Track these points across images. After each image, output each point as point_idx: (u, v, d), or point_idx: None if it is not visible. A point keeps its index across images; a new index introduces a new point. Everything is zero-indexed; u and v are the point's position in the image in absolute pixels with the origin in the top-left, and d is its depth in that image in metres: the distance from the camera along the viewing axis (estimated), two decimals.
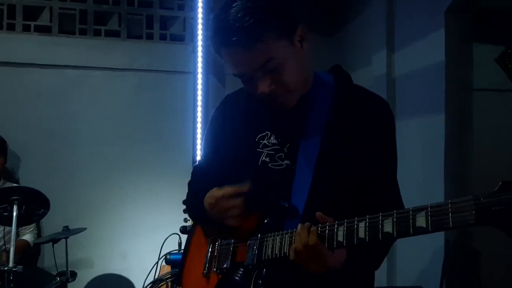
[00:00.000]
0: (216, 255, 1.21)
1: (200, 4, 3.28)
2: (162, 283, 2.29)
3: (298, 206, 1.13)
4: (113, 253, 3.33)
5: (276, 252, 1.07)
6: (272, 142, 1.19)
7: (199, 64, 3.24)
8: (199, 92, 3.20)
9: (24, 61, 3.28)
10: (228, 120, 1.28)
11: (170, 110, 3.44)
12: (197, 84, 3.24)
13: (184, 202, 1.33)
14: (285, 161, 1.18)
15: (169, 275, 2.31)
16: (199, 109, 3.21)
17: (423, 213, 0.86)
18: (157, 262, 2.50)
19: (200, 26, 3.28)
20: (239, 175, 1.22)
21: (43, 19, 3.36)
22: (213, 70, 3.44)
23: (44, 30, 3.35)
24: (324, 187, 1.14)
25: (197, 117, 3.21)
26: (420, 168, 2.44)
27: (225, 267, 1.16)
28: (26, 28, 3.33)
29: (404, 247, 2.54)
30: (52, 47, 3.32)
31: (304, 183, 1.14)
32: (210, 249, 1.23)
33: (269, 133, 1.20)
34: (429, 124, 2.38)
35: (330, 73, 1.26)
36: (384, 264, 2.62)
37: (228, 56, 1.10)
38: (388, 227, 0.90)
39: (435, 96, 2.29)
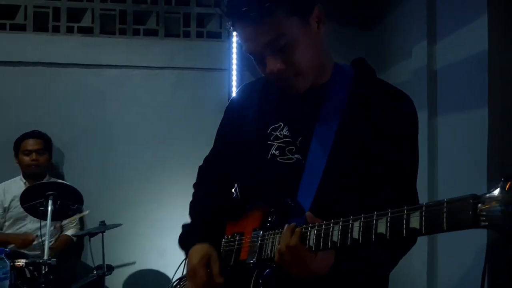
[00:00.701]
0: (222, 252, 1.19)
1: None
2: None
3: (305, 203, 1.08)
4: (151, 249, 3.38)
5: (275, 251, 1.02)
6: (284, 134, 1.14)
7: (234, 61, 3.22)
8: (234, 89, 3.18)
9: (68, 62, 3.41)
10: (242, 109, 1.24)
11: (207, 107, 3.44)
12: (232, 81, 3.22)
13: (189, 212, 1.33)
14: (296, 155, 1.12)
15: None
16: None
17: (417, 213, 0.79)
18: (185, 259, 2.51)
19: (228, 21, 3.25)
20: (249, 168, 1.20)
21: (86, 21, 3.48)
22: (250, 66, 3.41)
23: (86, 31, 3.47)
24: (333, 186, 1.08)
25: None
26: (462, 165, 2.28)
27: (229, 265, 1.15)
28: (70, 30, 3.45)
29: (445, 252, 2.40)
30: (93, 47, 3.43)
31: (313, 179, 1.09)
32: (223, 245, 1.21)
33: (282, 124, 1.16)
34: (471, 118, 2.21)
35: (352, 66, 1.19)
36: (423, 271, 2.48)
37: (240, 30, 1.07)
38: (382, 227, 0.84)
39: (478, 89, 2.12)
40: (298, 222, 1.01)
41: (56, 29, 3.43)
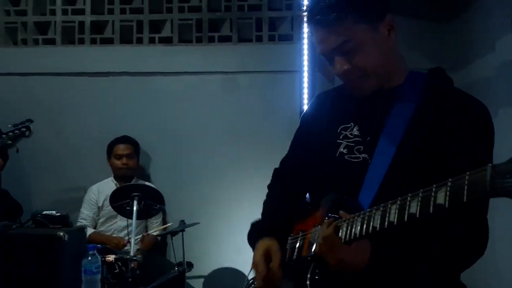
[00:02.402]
0: (289, 248, 1.26)
1: (305, 2, 3.26)
2: None
3: (366, 201, 1.10)
4: (227, 247, 3.50)
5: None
6: (354, 134, 1.19)
7: (305, 63, 3.23)
8: (305, 91, 3.19)
9: (150, 70, 3.64)
10: (315, 114, 1.33)
11: (279, 109, 3.49)
12: (303, 82, 3.24)
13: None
14: (363, 155, 1.16)
15: None
16: (305, 107, 3.20)
17: (443, 189, 0.83)
18: None
19: (306, 24, 3.27)
20: (318, 166, 1.26)
21: (165, 31, 3.70)
22: (321, 68, 3.40)
23: (166, 41, 3.68)
24: (395, 186, 1.07)
25: None
26: None
27: (293, 260, 1.21)
28: (152, 40, 3.69)
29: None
30: (172, 56, 3.63)
31: (375, 179, 1.11)
32: (288, 242, 1.28)
33: (352, 124, 1.21)
34: None
35: (428, 74, 1.21)
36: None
37: (314, 33, 1.17)
38: (413, 207, 0.88)
39: None
40: None
41: (139, 41, 3.69)
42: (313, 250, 1.13)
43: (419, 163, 1.09)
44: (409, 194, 0.90)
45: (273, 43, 3.59)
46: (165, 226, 3.31)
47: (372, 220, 0.97)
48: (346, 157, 1.18)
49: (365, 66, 1.12)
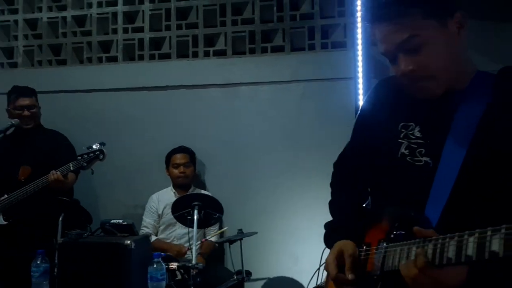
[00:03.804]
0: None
1: (359, 8, 3.24)
2: None
3: (434, 214, 1.04)
4: (284, 256, 3.51)
5: (396, 264, 1.02)
6: (416, 135, 1.13)
7: (360, 69, 3.20)
8: (360, 97, 3.16)
9: (206, 83, 3.75)
10: (375, 105, 1.26)
11: (334, 116, 3.47)
12: (358, 89, 3.20)
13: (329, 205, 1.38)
14: (425, 158, 1.10)
15: None
16: None
17: (498, 235, 0.76)
18: (318, 269, 2.57)
19: (359, 30, 3.24)
20: (379, 164, 1.20)
21: (220, 44, 3.80)
22: (376, 73, 3.35)
23: (220, 53, 3.77)
24: (467, 195, 1.03)
25: None
26: None
27: (356, 275, 1.17)
28: (206, 54, 3.80)
29: None
30: (227, 68, 3.71)
31: (444, 187, 1.05)
32: None
33: (413, 124, 1.15)
34: None
35: (498, 74, 1.13)
36: None
37: (376, 31, 1.10)
38: (470, 249, 0.81)
39: None
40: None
41: (195, 54, 3.81)
42: (379, 269, 1.08)
43: (492, 171, 1.02)
44: (467, 232, 0.83)
45: (326, 51, 3.58)
46: (222, 230, 3.37)
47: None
48: (408, 158, 1.12)
49: (432, 66, 1.04)
